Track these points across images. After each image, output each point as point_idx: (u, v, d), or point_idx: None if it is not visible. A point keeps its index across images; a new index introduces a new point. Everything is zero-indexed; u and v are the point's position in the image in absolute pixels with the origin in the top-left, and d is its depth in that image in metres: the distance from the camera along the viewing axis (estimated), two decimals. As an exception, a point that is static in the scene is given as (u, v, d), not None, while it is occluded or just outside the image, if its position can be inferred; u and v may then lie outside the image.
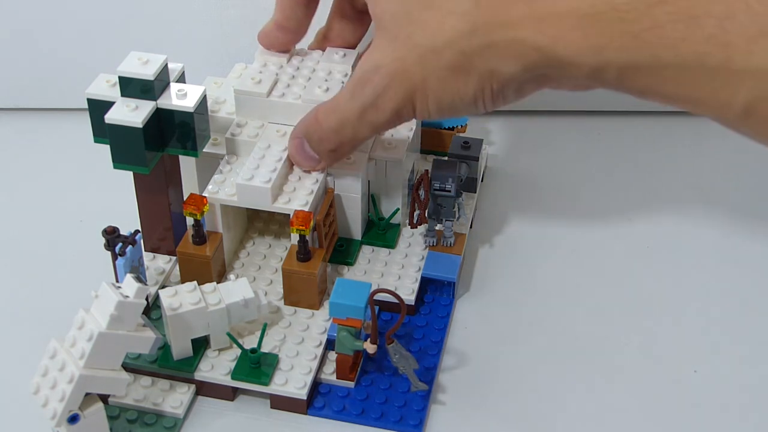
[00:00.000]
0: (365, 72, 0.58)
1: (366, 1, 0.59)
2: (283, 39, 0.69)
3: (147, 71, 0.60)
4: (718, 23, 0.47)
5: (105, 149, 0.62)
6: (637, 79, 0.50)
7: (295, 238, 0.63)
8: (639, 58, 0.49)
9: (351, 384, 0.61)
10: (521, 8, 0.52)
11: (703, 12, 0.47)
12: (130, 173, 0.64)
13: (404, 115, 0.58)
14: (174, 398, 0.60)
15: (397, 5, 0.56)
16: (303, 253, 0.63)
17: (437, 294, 0.68)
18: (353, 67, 0.68)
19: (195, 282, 0.60)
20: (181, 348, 0.60)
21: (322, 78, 0.68)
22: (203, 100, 0.63)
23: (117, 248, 0.60)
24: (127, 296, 0.54)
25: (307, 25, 0.69)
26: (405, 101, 0.57)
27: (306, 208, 0.63)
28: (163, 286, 0.66)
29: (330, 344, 0.62)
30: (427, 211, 0.67)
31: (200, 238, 0.64)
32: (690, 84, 0.49)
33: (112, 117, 0.60)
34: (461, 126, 0.77)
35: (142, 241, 0.63)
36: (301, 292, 0.64)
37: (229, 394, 0.61)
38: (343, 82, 0.67)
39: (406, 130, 0.70)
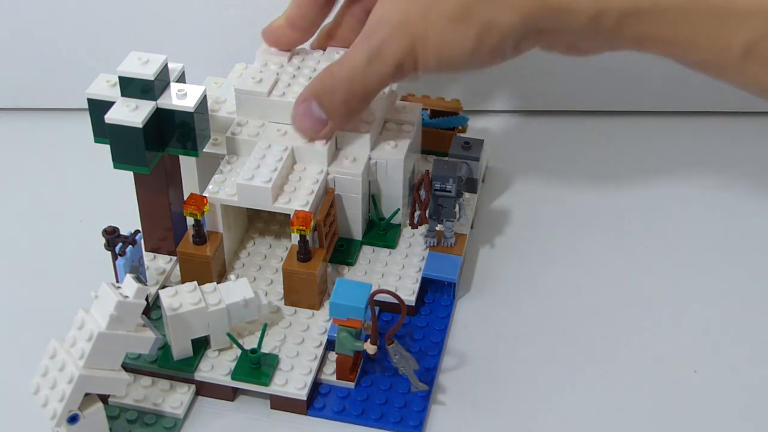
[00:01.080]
0: (371, 25, 0.59)
1: None
2: (291, 37, 0.69)
3: (147, 71, 0.60)
4: None
5: (105, 149, 0.62)
6: (636, 24, 0.51)
7: (295, 238, 0.63)
8: (639, 1, 0.50)
9: (351, 385, 0.61)
10: None
11: None
12: (131, 173, 0.64)
13: (406, 68, 0.59)
14: (174, 398, 0.60)
15: None
16: (303, 253, 0.63)
17: (438, 294, 0.68)
18: None
19: (195, 282, 0.60)
20: (181, 348, 0.60)
21: None
22: (203, 100, 0.63)
23: (117, 248, 0.60)
24: (127, 296, 0.54)
25: (318, 27, 0.69)
26: (407, 53, 0.58)
27: (306, 208, 0.63)
28: (163, 286, 0.66)
29: (330, 345, 0.62)
30: (427, 212, 0.67)
31: (201, 238, 0.64)
32: (689, 26, 0.49)
33: (112, 117, 0.60)
34: (462, 126, 0.77)
35: (142, 241, 0.63)
36: (301, 293, 0.64)
37: (229, 394, 0.61)
38: None
39: (408, 131, 0.70)
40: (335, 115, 0.63)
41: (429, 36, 0.57)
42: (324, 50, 0.71)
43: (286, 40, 0.69)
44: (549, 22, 0.54)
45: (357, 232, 0.69)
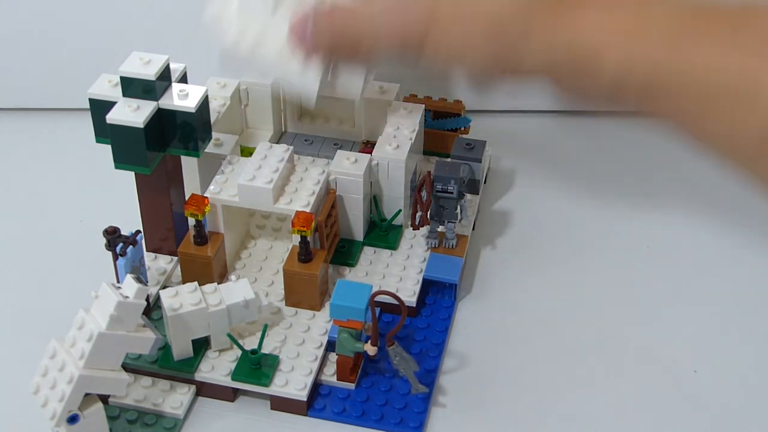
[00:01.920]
0: None
1: None
2: None
3: (148, 71, 0.60)
4: (757, 48, 0.47)
5: (105, 149, 0.62)
6: (657, 93, 0.50)
7: (296, 239, 0.62)
8: (666, 70, 0.49)
9: (351, 386, 0.61)
10: (569, 6, 0.51)
11: (743, 39, 0.47)
12: (132, 173, 0.64)
13: (409, 40, 0.56)
14: (174, 399, 0.60)
15: None
16: (304, 254, 0.63)
17: (439, 296, 0.68)
18: None
19: (196, 282, 0.60)
20: (181, 348, 0.60)
21: None
22: (205, 100, 0.63)
23: (118, 248, 0.60)
24: (127, 297, 0.54)
25: None
26: (419, 31, 0.55)
27: (307, 209, 0.62)
28: (164, 287, 0.65)
29: (330, 346, 0.62)
30: (429, 213, 0.67)
31: (202, 238, 0.64)
32: (710, 104, 0.48)
33: (113, 117, 0.60)
34: (464, 128, 0.77)
35: (143, 242, 0.63)
36: (302, 293, 0.64)
37: (230, 395, 0.61)
38: None
39: (409, 132, 0.70)
40: (320, 39, 0.60)
41: (451, 35, 0.54)
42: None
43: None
44: (570, 73, 0.52)
45: (358, 233, 0.69)
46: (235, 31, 0.62)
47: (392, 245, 0.69)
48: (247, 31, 0.62)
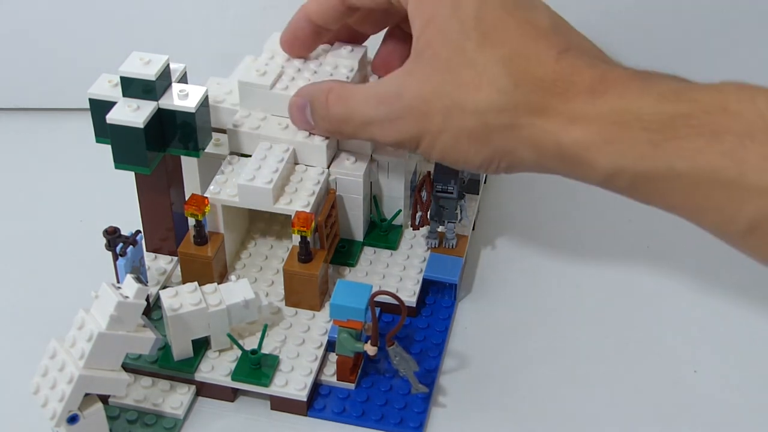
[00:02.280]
0: (389, 91, 0.57)
1: (411, 21, 0.58)
2: (306, 33, 0.66)
3: (149, 71, 0.60)
4: (737, 140, 0.47)
5: (105, 149, 0.62)
6: (647, 187, 0.51)
7: (296, 239, 0.62)
8: (655, 166, 0.50)
9: (351, 386, 0.61)
10: (554, 102, 0.52)
11: (725, 128, 0.48)
12: (132, 173, 0.64)
13: (404, 147, 0.59)
14: (174, 399, 0.60)
15: (442, 46, 0.55)
16: (304, 254, 0.63)
17: (439, 296, 0.68)
18: (359, 62, 0.68)
19: (196, 282, 0.60)
20: (181, 349, 0.60)
21: (327, 72, 0.67)
22: (205, 100, 0.63)
23: (118, 248, 0.60)
24: (127, 297, 0.54)
25: (338, 24, 0.66)
26: (412, 139, 0.57)
27: (307, 209, 0.62)
28: (164, 287, 0.65)
29: (330, 346, 0.62)
30: (429, 213, 0.67)
31: (202, 238, 0.64)
32: (698, 195, 0.49)
33: (113, 117, 0.60)
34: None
35: (143, 242, 0.63)
36: (302, 294, 0.64)
37: (230, 395, 0.61)
38: (348, 77, 0.67)
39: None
40: (318, 128, 0.63)
41: (442, 137, 0.56)
42: (332, 44, 0.70)
43: (302, 35, 0.66)
44: (563, 169, 0.54)
45: (358, 233, 0.69)
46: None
47: (392, 245, 0.69)
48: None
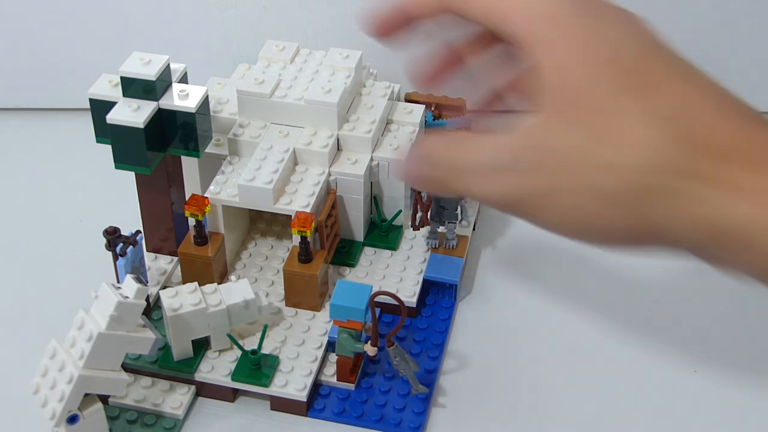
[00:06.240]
0: (517, 146, 0.45)
1: (536, 56, 0.46)
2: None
3: (149, 71, 0.60)
4: None
5: (105, 149, 0.62)
6: None
7: (296, 239, 0.62)
8: None
9: (351, 386, 0.61)
10: (721, 171, 0.42)
11: None
12: (132, 173, 0.64)
13: (513, 211, 0.47)
14: (174, 399, 0.60)
15: (582, 90, 0.44)
16: (304, 254, 0.63)
17: (439, 296, 0.68)
18: (355, 67, 0.68)
19: (196, 283, 0.60)
20: (181, 349, 0.60)
21: (324, 78, 0.67)
22: (205, 100, 0.63)
23: (118, 249, 0.60)
24: (127, 297, 0.54)
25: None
26: (529, 195, 0.45)
27: (307, 210, 0.62)
28: (164, 287, 0.65)
29: (330, 346, 0.62)
30: (429, 214, 0.67)
31: (202, 238, 0.64)
32: None
33: (113, 117, 0.60)
34: (465, 128, 0.77)
35: (143, 242, 0.63)
36: (302, 294, 0.64)
37: (230, 395, 0.61)
38: (345, 83, 0.67)
39: (409, 132, 0.70)
40: (425, 183, 0.50)
41: (567, 195, 0.44)
42: (326, 51, 0.70)
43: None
44: (719, 250, 0.44)
45: (358, 234, 0.69)
46: None
47: (392, 246, 0.69)
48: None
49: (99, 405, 0.55)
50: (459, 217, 0.68)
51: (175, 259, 0.67)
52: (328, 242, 0.65)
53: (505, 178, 0.46)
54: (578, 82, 0.44)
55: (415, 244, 0.69)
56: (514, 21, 0.46)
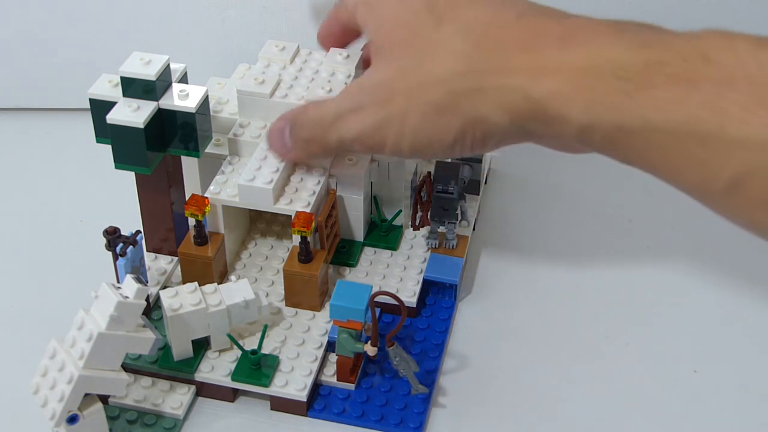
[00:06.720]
0: (352, 85, 0.58)
1: (365, 28, 0.59)
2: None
3: (149, 71, 0.60)
4: (715, 89, 0.44)
5: (105, 149, 0.62)
6: (624, 143, 0.48)
7: (296, 239, 0.62)
8: (629, 118, 0.47)
9: (351, 386, 0.61)
10: (519, 57, 0.50)
11: (702, 76, 0.45)
12: (132, 173, 0.64)
13: (370, 143, 0.56)
14: (174, 399, 0.60)
15: (398, 37, 0.55)
16: (304, 254, 0.63)
17: (439, 296, 0.68)
18: (356, 67, 0.68)
19: (196, 283, 0.60)
20: (181, 349, 0.60)
21: (325, 79, 0.67)
22: (205, 100, 0.63)
23: (118, 249, 0.60)
24: (127, 297, 0.54)
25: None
26: (375, 128, 0.55)
27: (308, 210, 0.62)
28: (164, 287, 0.65)
29: (331, 346, 0.62)
30: (429, 213, 0.67)
31: (202, 238, 0.64)
32: (676, 151, 0.46)
33: (113, 117, 0.60)
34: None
35: (143, 242, 0.63)
36: (302, 294, 0.64)
37: (230, 395, 0.61)
38: (346, 83, 0.67)
39: None
40: (296, 148, 0.62)
41: (408, 118, 0.54)
42: (328, 51, 0.70)
43: (335, 33, 0.68)
44: (538, 127, 0.51)
45: (358, 234, 0.69)
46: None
47: (392, 246, 0.69)
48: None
49: (99, 405, 0.55)
50: (459, 217, 0.68)
51: (175, 259, 0.67)
52: (328, 242, 0.65)
53: (362, 114, 0.56)
54: (394, 29, 0.56)
55: (415, 244, 0.69)
56: (365, 19, 0.60)
